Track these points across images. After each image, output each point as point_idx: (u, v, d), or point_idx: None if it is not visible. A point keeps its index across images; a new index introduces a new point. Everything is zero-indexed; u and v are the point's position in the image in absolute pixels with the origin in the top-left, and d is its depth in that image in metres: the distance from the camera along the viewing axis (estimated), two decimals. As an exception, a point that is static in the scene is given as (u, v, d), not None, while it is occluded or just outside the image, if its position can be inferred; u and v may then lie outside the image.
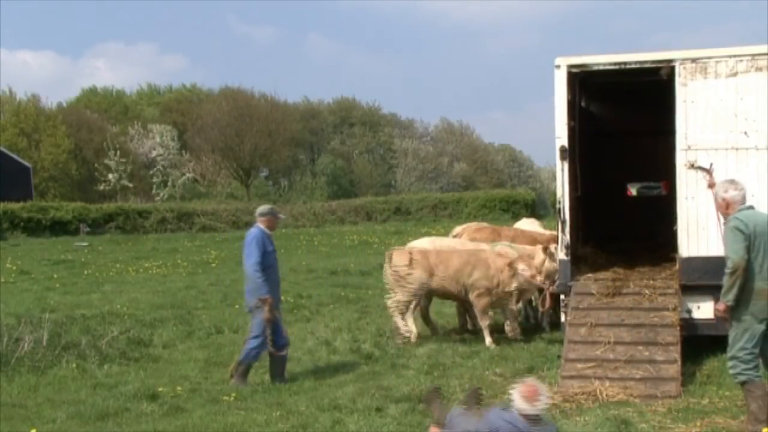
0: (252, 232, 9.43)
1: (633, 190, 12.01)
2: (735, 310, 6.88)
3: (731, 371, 7.03)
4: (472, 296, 11.11)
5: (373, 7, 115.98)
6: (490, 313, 11.31)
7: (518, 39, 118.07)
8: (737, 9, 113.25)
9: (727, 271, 6.76)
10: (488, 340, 10.94)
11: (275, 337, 9.35)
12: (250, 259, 9.24)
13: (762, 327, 6.85)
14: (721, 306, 6.91)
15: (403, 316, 11.15)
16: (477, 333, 11.46)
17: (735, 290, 6.78)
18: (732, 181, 7.22)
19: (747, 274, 6.78)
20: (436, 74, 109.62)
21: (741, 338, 6.87)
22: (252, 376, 9.68)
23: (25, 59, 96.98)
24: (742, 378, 6.90)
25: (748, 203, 7.10)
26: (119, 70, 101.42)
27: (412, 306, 11.44)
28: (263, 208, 9.77)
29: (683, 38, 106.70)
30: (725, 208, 7.07)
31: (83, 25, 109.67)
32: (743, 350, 6.87)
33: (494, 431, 5.39)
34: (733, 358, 6.95)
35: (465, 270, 11.09)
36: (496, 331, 11.52)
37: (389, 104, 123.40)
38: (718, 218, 9.16)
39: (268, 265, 9.32)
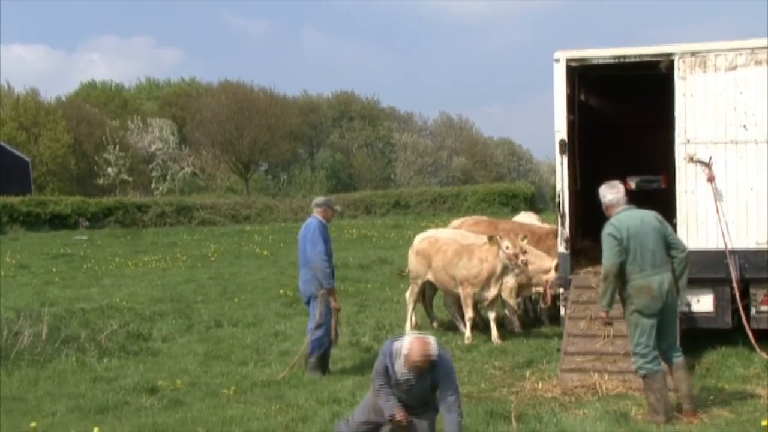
0: (312, 223, 9.33)
1: (632, 184, 11.96)
2: (624, 309, 7.23)
3: (634, 366, 7.31)
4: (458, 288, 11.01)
5: (370, 1, 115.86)
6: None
7: (515, 33, 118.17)
8: (731, 5, 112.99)
9: (600, 277, 6.95)
10: (467, 333, 10.85)
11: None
12: (317, 248, 9.15)
13: (650, 321, 7.13)
14: (602, 313, 7.29)
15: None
16: (479, 327, 11.45)
17: (608, 296, 7.16)
18: (609, 185, 7.47)
19: (626, 275, 7.08)
20: (434, 68, 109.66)
21: (634, 334, 7.20)
22: (251, 369, 9.69)
23: (19, 53, 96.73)
24: (642, 372, 7.19)
25: (626, 205, 7.34)
26: (114, 64, 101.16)
27: (414, 298, 11.49)
28: (319, 198, 9.70)
29: (677, 32, 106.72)
30: (607, 211, 7.35)
31: (76, 19, 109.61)
32: (639, 345, 7.18)
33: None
34: (633, 354, 7.28)
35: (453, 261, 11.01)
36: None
37: (388, 98, 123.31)
38: (717, 211, 9.20)
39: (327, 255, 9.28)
